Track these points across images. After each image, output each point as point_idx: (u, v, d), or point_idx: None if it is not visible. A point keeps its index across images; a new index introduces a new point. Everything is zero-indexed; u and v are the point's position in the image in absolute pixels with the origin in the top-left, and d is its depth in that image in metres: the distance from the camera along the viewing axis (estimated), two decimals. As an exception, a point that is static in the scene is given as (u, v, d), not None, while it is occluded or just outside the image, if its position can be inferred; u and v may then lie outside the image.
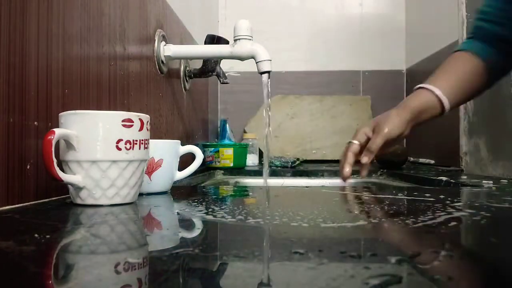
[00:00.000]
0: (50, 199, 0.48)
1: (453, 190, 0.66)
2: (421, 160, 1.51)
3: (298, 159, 1.44)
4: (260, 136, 1.57)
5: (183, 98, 1.13)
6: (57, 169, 0.40)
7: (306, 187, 0.74)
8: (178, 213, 0.43)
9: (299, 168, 1.36)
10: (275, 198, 0.55)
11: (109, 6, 0.66)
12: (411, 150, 1.52)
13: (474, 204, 0.47)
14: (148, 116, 0.46)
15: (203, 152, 1.30)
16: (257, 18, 1.79)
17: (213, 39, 0.99)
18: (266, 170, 0.81)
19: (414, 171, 1.14)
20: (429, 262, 0.24)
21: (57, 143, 0.41)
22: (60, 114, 0.43)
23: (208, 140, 1.51)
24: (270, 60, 0.85)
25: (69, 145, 0.42)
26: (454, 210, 0.40)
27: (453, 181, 0.81)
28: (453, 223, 0.35)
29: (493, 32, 0.78)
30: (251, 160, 1.49)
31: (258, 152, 1.55)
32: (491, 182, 0.72)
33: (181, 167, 0.60)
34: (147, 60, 0.85)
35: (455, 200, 0.48)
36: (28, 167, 0.45)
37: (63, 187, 0.50)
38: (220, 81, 1.14)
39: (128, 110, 0.73)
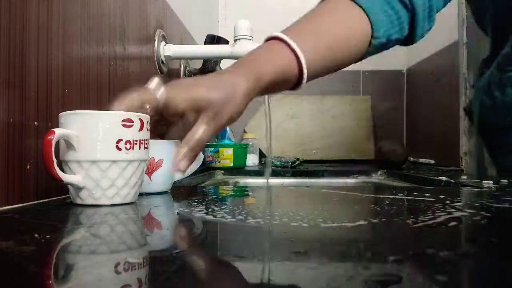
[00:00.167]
0: (50, 199, 0.48)
1: (453, 190, 0.66)
2: (421, 160, 1.51)
3: (298, 159, 1.44)
4: (260, 136, 1.57)
5: (183, 98, 1.12)
6: (57, 169, 0.40)
7: (307, 187, 0.74)
8: (178, 213, 0.43)
9: (299, 168, 1.36)
10: (275, 198, 0.55)
11: (109, 6, 0.66)
12: (411, 150, 1.52)
13: (474, 204, 0.47)
14: (148, 116, 0.46)
15: (203, 152, 1.30)
16: (257, 18, 1.78)
17: (213, 39, 0.99)
18: (268, 170, 0.80)
19: (414, 171, 1.14)
20: (429, 262, 0.24)
21: (57, 143, 0.41)
22: (60, 114, 0.43)
23: (208, 140, 1.51)
24: (270, 60, 0.85)
25: (69, 145, 0.42)
26: (454, 210, 0.40)
27: (453, 181, 0.81)
28: (453, 223, 0.35)
29: None
30: (251, 160, 1.49)
31: (258, 152, 1.55)
32: (491, 182, 0.72)
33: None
34: (147, 60, 0.85)
35: (455, 200, 0.48)
36: (28, 167, 0.45)
37: (63, 187, 0.49)
38: (220, 81, 1.14)
39: (128, 110, 0.73)
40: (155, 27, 0.89)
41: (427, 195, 0.51)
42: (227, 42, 0.96)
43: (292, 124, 1.78)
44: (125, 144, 0.43)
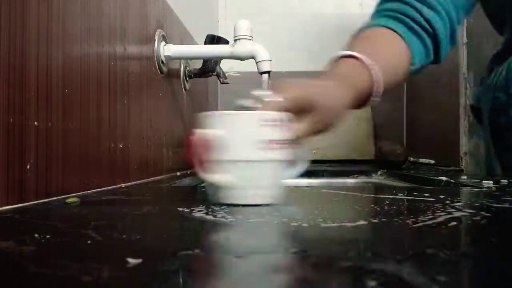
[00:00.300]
0: (50, 199, 0.48)
1: (453, 190, 0.66)
2: (421, 160, 1.51)
3: (298, 159, 1.43)
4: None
5: (183, 98, 1.13)
6: (203, 169, 0.41)
7: (307, 187, 0.74)
8: (178, 213, 0.43)
9: (299, 168, 1.35)
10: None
11: (109, 6, 0.66)
12: (411, 150, 1.52)
13: (474, 204, 0.47)
14: (288, 115, 0.46)
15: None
16: (257, 18, 1.79)
17: (213, 39, 0.99)
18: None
19: (414, 171, 1.14)
20: (429, 262, 0.24)
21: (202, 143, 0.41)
22: (205, 114, 0.44)
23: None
24: (270, 60, 0.85)
25: (213, 145, 0.42)
26: (454, 210, 0.40)
27: (453, 181, 0.81)
28: (453, 223, 0.35)
29: (410, 13, 0.64)
30: (251, 160, 1.48)
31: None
32: (491, 182, 0.72)
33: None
34: (147, 60, 0.85)
35: (455, 200, 0.48)
36: (28, 167, 0.45)
37: (63, 187, 0.50)
38: (220, 81, 1.14)
39: (128, 110, 0.73)
40: (155, 27, 0.89)
41: (427, 195, 0.51)
42: (227, 42, 0.96)
43: (292, 124, 1.78)
44: (269, 144, 0.43)
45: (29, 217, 0.38)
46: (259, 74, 0.85)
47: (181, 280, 0.22)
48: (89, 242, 0.29)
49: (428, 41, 0.69)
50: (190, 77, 1.14)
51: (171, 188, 0.76)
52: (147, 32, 0.84)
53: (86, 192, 0.56)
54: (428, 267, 0.23)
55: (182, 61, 1.09)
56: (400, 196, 0.53)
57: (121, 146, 0.69)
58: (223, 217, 0.37)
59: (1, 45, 0.41)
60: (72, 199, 0.48)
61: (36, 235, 0.29)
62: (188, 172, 1.06)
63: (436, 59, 0.74)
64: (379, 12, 0.72)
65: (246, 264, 0.24)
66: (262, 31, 1.59)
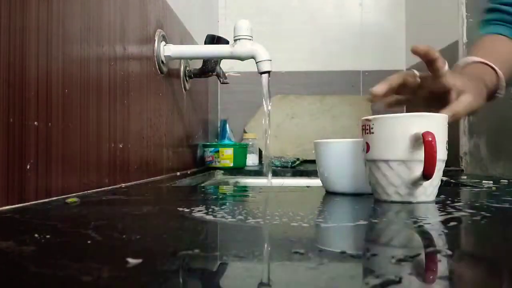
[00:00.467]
0: (50, 199, 0.48)
1: (453, 190, 0.66)
2: (421, 160, 1.51)
3: (298, 159, 1.44)
4: (260, 136, 1.57)
5: (183, 98, 1.13)
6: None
7: (307, 187, 0.74)
8: (178, 213, 0.43)
9: (299, 168, 1.36)
10: (275, 198, 0.55)
11: (109, 6, 0.66)
12: (411, 150, 1.52)
13: (474, 204, 0.47)
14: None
15: (203, 152, 1.31)
16: (257, 18, 1.79)
17: (213, 39, 0.99)
18: (269, 170, 0.80)
19: (414, 171, 1.14)
20: (429, 262, 0.24)
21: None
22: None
23: (208, 140, 1.51)
24: (270, 60, 0.85)
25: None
26: (454, 210, 0.40)
27: (453, 181, 0.81)
28: (453, 223, 0.35)
29: None
30: (251, 160, 1.49)
31: (258, 152, 1.55)
32: (491, 182, 0.72)
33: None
34: (147, 60, 0.85)
35: (455, 200, 0.48)
36: (28, 167, 0.45)
37: (63, 187, 0.50)
38: (220, 81, 1.14)
39: (128, 110, 0.73)
40: (155, 27, 0.89)
41: (427, 195, 0.51)
42: (227, 42, 0.96)
43: (292, 124, 1.78)
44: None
45: (29, 217, 0.38)
46: (259, 74, 0.85)
47: (181, 280, 0.22)
48: (89, 242, 0.29)
49: None
50: (190, 77, 1.14)
51: (171, 188, 0.76)
52: (147, 32, 0.84)
53: (86, 192, 0.56)
54: (429, 267, 0.23)
55: (182, 61, 1.09)
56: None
57: (121, 146, 0.69)
58: (223, 217, 0.37)
59: (1, 45, 0.41)
60: (72, 199, 0.48)
61: (36, 235, 0.29)
62: (188, 172, 1.06)
63: None
64: (487, 22, 0.83)
65: (246, 264, 0.24)
66: (262, 31, 1.59)
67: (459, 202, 0.47)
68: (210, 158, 1.28)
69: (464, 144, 1.23)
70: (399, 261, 0.23)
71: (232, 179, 1.25)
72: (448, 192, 0.57)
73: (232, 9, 1.87)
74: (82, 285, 0.21)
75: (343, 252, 0.26)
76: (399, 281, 0.20)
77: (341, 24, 1.87)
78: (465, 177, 0.90)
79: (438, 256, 0.25)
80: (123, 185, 0.69)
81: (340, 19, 1.87)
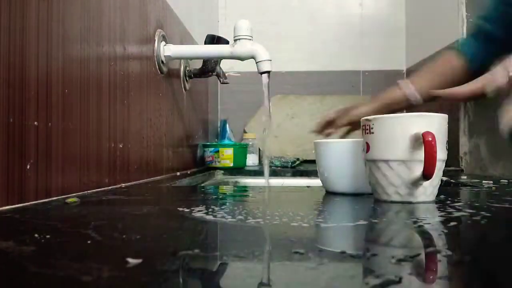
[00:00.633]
0: (50, 199, 0.48)
1: (453, 190, 0.66)
2: (421, 160, 1.51)
3: (298, 159, 1.44)
4: (260, 136, 1.57)
5: (183, 98, 1.13)
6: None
7: (307, 187, 0.74)
8: (178, 213, 0.43)
9: (299, 168, 1.36)
10: (275, 198, 0.55)
11: (109, 6, 0.66)
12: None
13: (474, 204, 0.47)
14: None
15: (203, 152, 1.31)
16: (257, 18, 1.79)
17: (213, 39, 0.99)
18: (267, 170, 0.80)
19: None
20: (429, 262, 0.24)
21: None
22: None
23: (208, 140, 1.51)
24: (270, 60, 0.85)
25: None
26: (454, 210, 0.40)
27: (453, 181, 0.81)
28: (453, 223, 0.35)
29: (486, 31, 0.84)
30: (251, 160, 1.49)
31: (258, 152, 1.55)
32: (491, 182, 0.72)
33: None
34: (147, 60, 0.85)
35: (455, 200, 0.48)
36: (28, 167, 0.45)
37: (63, 187, 0.50)
38: (220, 81, 1.14)
39: (128, 110, 0.73)
40: (155, 27, 0.89)
41: (427, 195, 0.51)
42: (227, 42, 0.96)
43: (292, 124, 1.78)
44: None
45: (29, 217, 0.38)
46: (259, 74, 0.85)
47: (181, 280, 0.22)
48: (89, 242, 0.29)
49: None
50: (190, 77, 1.14)
51: (171, 188, 0.76)
52: (147, 32, 0.84)
53: (86, 192, 0.56)
54: (429, 267, 0.23)
55: (182, 61, 1.09)
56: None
57: (121, 146, 0.69)
58: (223, 217, 0.37)
59: (1, 45, 0.41)
60: (72, 199, 0.48)
61: (36, 235, 0.29)
62: (188, 172, 1.06)
63: None
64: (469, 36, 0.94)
65: (246, 264, 0.24)
66: (262, 31, 1.59)
67: (459, 202, 0.47)
68: (210, 158, 1.28)
69: (464, 144, 1.23)
70: (399, 261, 0.23)
71: (232, 179, 1.25)
72: (448, 192, 0.57)
73: (232, 9, 1.87)
74: (82, 285, 0.21)
75: (343, 252, 0.26)
76: (399, 281, 0.20)
77: (341, 24, 1.87)
78: (465, 177, 0.90)
79: (438, 256, 0.25)
80: (123, 185, 0.69)
81: (340, 19, 1.87)
